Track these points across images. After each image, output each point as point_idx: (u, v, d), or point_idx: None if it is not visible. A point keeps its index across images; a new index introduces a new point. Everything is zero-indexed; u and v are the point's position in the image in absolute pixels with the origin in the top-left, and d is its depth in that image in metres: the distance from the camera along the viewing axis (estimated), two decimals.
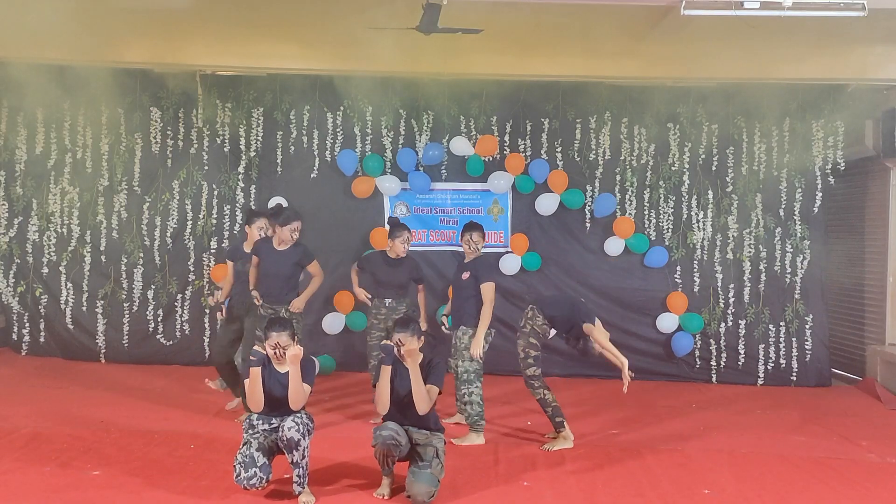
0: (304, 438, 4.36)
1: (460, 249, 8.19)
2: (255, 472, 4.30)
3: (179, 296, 8.15)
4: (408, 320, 4.67)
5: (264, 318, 5.71)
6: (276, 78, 8.07)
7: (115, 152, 8.17)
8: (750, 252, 8.16)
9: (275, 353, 4.43)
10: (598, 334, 5.51)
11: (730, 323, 8.18)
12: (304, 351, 4.51)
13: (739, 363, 8.18)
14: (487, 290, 5.73)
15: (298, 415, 4.44)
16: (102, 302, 8.15)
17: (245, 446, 4.41)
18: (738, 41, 6.90)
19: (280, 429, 4.36)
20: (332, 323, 7.99)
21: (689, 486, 4.85)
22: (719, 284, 8.18)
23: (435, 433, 4.59)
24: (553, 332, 5.64)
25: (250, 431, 4.47)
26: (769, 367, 8.16)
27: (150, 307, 8.15)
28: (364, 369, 7.11)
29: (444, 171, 8.24)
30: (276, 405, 4.45)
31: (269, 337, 4.44)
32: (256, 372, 4.41)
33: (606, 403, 6.98)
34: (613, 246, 8.10)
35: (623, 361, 5.38)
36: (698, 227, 8.20)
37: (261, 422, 4.47)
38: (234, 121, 8.17)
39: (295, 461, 4.36)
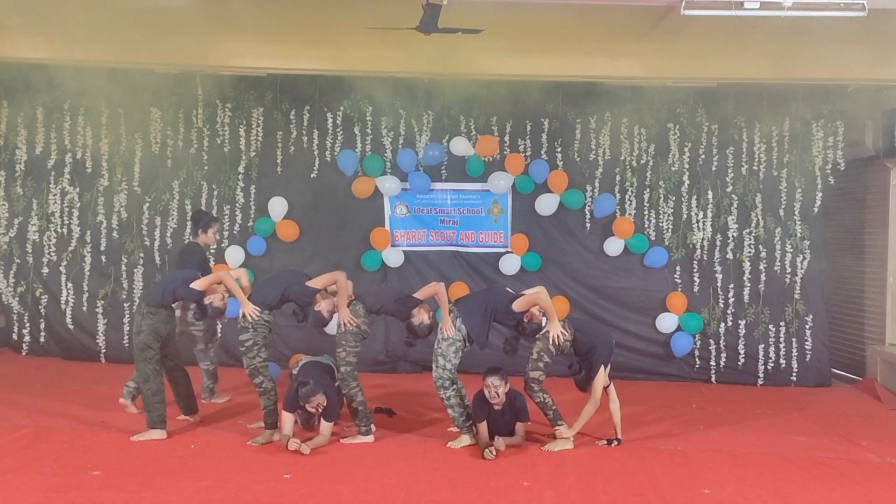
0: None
1: (460, 250, 8.26)
2: None
3: None
4: (498, 367, 5.40)
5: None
6: (276, 78, 8.07)
7: (115, 152, 8.18)
8: (750, 252, 8.16)
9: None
10: (600, 382, 5.61)
11: (729, 323, 8.18)
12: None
13: (739, 363, 8.17)
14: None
15: None
16: (102, 302, 8.15)
17: None
18: (738, 41, 6.91)
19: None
20: (333, 325, 7.94)
21: (689, 486, 4.84)
22: (719, 284, 8.18)
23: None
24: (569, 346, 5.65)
25: None
26: (769, 367, 8.16)
27: None
28: (365, 370, 7.06)
29: (444, 172, 8.23)
30: None
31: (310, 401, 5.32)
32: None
33: (606, 404, 6.96)
34: (613, 246, 8.10)
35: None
36: (698, 227, 8.19)
37: None
38: (234, 121, 8.17)
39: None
